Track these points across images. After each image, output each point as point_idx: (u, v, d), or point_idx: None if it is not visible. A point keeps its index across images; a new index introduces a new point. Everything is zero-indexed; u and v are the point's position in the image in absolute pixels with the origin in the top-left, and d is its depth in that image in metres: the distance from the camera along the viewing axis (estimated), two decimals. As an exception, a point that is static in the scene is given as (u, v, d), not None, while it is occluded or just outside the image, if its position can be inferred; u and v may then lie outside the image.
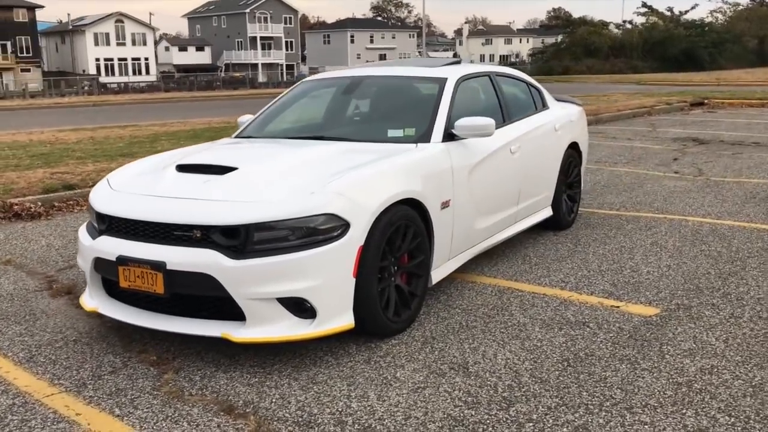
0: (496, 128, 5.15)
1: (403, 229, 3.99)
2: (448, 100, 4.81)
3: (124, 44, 71.16)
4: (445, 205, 4.37)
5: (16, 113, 28.31)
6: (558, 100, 7.06)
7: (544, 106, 6.22)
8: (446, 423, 3.03)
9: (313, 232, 3.52)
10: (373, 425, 3.03)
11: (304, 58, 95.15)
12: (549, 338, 3.91)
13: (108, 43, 70.22)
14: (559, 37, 76.42)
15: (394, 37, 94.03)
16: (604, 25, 72.41)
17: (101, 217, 3.94)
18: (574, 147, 6.53)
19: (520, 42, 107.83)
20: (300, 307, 3.54)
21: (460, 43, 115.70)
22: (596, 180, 8.92)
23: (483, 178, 4.84)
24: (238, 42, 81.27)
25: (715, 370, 3.48)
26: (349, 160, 4.07)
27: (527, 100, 6.02)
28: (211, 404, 3.24)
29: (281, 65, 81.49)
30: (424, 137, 4.53)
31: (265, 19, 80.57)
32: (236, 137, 5.21)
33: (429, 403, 3.20)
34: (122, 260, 3.68)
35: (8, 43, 63.82)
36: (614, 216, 6.89)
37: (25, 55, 65.06)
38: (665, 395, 3.24)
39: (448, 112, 4.73)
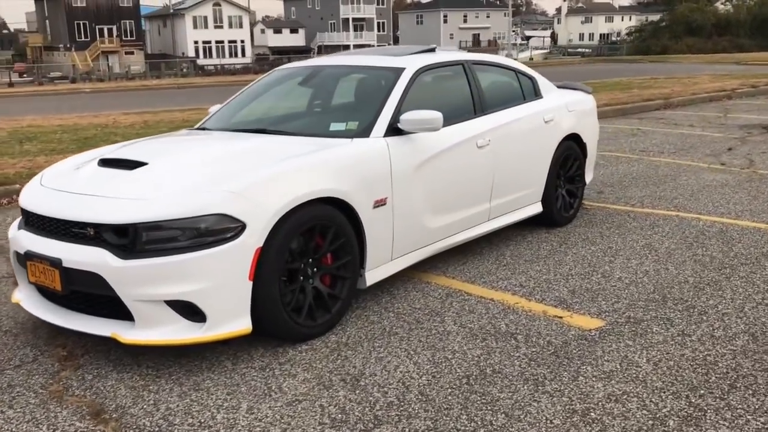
0: (465, 120, 4.91)
1: (320, 229, 3.82)
2: (399, 92, 4.56)
3: (221, 27, 73.14)
4: (379, 203, 4.15)
5: (102, 95, 29.58)
6: (564, 87, 6.64)
7: (537, 96, 5.84)
8: (299, 442, 2.87)
9: (204, 233, 3.40)
10: (223, 440, 2.90)
11: (396, 40, 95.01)
12: (465, 350, 3.65)
13: (206, 26, 72.34)
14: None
15: (488, 17, 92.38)
16: (709, 1, 68.30)
17: (22, 211, 3.96)
18: (574, 138, 6.11)
19: (622, 20, 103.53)
20: (191, 310, 3.44)
21: (558, 22, 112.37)
22: (628, 172, 8.38)
23: (437, 175, 4.58)
24: (330, 24, 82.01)
25: (624, 397, 3.14)
26: (269, 156, 3.92)
27: (512, 90, 5.66)
28: (84, 407, 3.20)
29: (373, 47, 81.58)
30: (365, 132, 4.32)
31: (358, 0, 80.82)
32: (196, 128, 5.15)
33: (295, 419, 3.04)
34: (29, 255, 3.69)
35: (114, 27, 66.86)
36: (624, 212, 6.43)
37: (129, 38, 68.00)
38: (551, 424, 2.94)
39: (397, 105, 4.49)
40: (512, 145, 5.30)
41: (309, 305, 3.82)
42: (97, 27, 65.99)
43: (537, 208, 5.79)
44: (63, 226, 3.61)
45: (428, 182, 4.53)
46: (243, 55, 74.13)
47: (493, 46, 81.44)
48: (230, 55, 72.92)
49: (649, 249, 5.30)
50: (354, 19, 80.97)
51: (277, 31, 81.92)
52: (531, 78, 5.88)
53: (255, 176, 3.62)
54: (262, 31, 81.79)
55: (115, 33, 66.68)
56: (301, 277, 3.81)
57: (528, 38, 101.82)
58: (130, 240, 3.41)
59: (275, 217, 3.55)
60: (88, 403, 3.23)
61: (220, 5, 72.73)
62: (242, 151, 4.07)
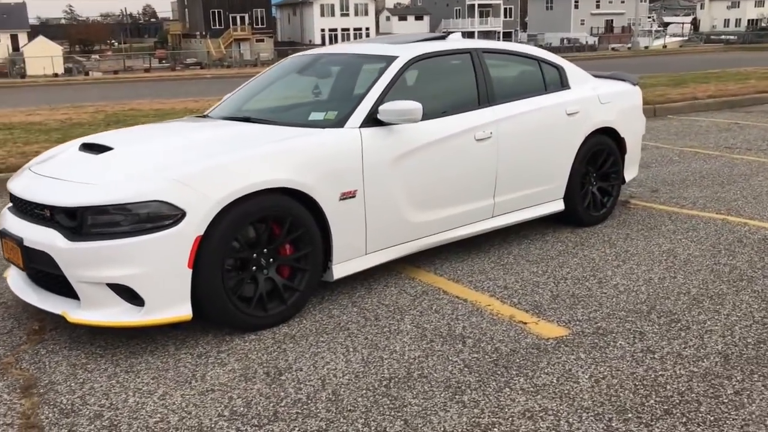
0: (464, 112, 4.72)
1: (273, 219, 3.79)
2: (385, 81, 4.44)
3: (347, 15, 74.39)
4: (347, 195, 4.07)
5: (220, 81, 30.84)
6: (609, 77, 6.24)
7: (563, 86, 5.51)
8: (190, 432, 2.87)
9: (144, 218, 3.46)
10: (120, 423, 2.95)
11: (525, 26, 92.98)
12: (404, 351, 3.51)
13: (333, 14, 73.82)
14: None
15: (623, 2, 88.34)
16: None
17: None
18: (608, 133, 5.73)
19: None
20: (131, 294, 3.52)
21: (702, 7, 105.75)
22: (698, 169, 7.77)
23: (422, 168, 4.43)
24: (456, 10, 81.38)
25: (541, 414, 2.92)
26: (231, 146, 3.93)
27: (531, 80, 5.37)
28: (20, 381, 3.35)
29: (498, 33, 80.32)
30: (341, 122, 4.24)
31: (485, -14, 79.66)
32: (198, 116, 5.23)
33: (198, 409, 3.04)
34: (2, 233, 3.90)
35: (246, 16, 69.59)
36: (667, 213, 5.97)
37: (260, 26, 70.58)
38: (446, 436, 2.78)
39: (381, 94, 4.36)
40: (522, 138, 5.03)
41: (260, 295, 3.80)
42: (230, 15, 68.93)
43: (558, 206, 5.48)
44: (28, 206, 3.78)
45: (411, 175, 4.39)
46: (368, 42, 74.94)
47: (626, 33, 77.89)
48: (355, 43, 73.98)
49: (669, 255, 4.89)
50: (480, 5, 79.94)
51: (402, 18, 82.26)
52: (557, 67, 5.55)
53: (203, 165, 3.64)
54: (387, 19, 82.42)
55: (246, 21, 69.38)
56: (254, 267, 3.79)
57: (666, 25, 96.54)
58: (78, 223, 3.52)
59: (218, 206, 3.55)
60: (26, 377, 3.38)
61: (347, -7, 73.89)
62: (209, 139, 4.11)
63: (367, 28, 75.32)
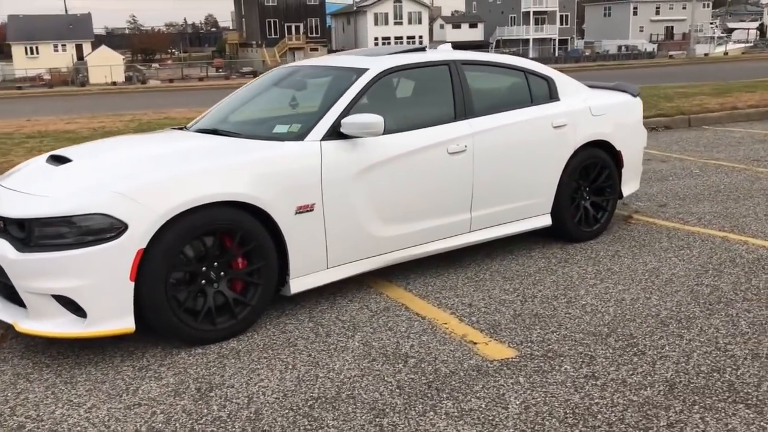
0: (436, 125, 4.63)
1: (222, 233, 3.78)
2: (352, 94, 4.39)
3: (400, 23, 74.59)
4: (304, 209, 4.03)
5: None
6: (606, 88, 6.06)
7: (551, 98, 5.36)
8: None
9: (87, 231, 3.49)
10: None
11: (582, 33, 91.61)
12: (342, 370, 3.45)
13: (386, 23, 74.12)
14: None
15: (684, 8, 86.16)
16: None
17: None
18: (602, 146, 5.55)
19: None
20: (75, 305, 3.55)
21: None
22: (715, 183, 7.47)
23: (388, 182, 4.36)
24: (511, 17, 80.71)
25: (456, 441, 2.81)
26: (185, 159, 3.94)
27: (515, 92, 5.24)
28: (-37, 388, 3.41)
29: (554, 40, 79.34)
30: (303, 135, 4.21)
31: (541, -7, 78.81)
32: (177, 127, 5.25)
33: (119, 423, 3.04)
34: (-31, 243, 3.99)
35: (301, 25, 70.54)
36: (667, 230, 5.75)
37: (314, 35, 71.44)
38: (351, 461, 2.71)
39: (346, 107, 4.32)
40: (502, 151, 4.91)
41: (209, 309, 3.79)
42: (285, 24, 69.98)
43: (544, 221, 5.33)
44: None
45: (377, 189, 4.32)
46: (421, 50, 74.95)
47: (686, 40, 75.92)
48: (408, 51, 74.06)
49: (651, 274, 4.69)
50: (535, 12, 79.08)
51: (456, 26, 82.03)
52: (546, 79, 5.40)
53: (148, 178, 3.66)
54: (441, 27, 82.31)
55: (301, 30, 70.31)
56: (203, 281, 3.79)
57: (730, 31, 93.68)
58: (26, 234, 3.58)
59: (161, 219, 3.56)
60: (-32, 385, 3.44)
61: (400, 1, 74.18)
62: (165, 153, 4.12)
63: (420, 37, 75.35)
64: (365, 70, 4.58)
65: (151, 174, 3.69)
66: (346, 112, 4.31)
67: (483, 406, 3.07)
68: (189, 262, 3.73)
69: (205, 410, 3.12)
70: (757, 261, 4.89)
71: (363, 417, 3.01)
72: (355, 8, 75.85)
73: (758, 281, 4.50)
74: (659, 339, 3.68)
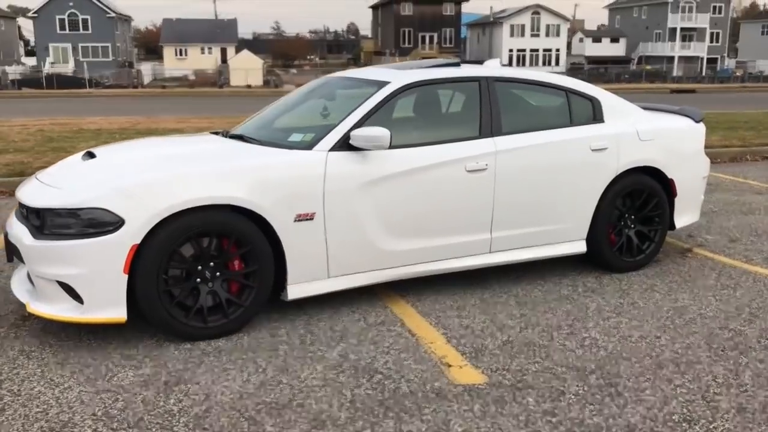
0: (456, 142, 4.59)
1: (217, 235, 3.93)
2: (369, 107, 4.43)
3: (537, 36, 73.32)
4: (304, 217, 4.11)
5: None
6: (664, 111, 5.75)
7: (595, 120, 5.15)
8: None
9: (89, 224, 3.74)
10: (11, 407, 3.21)
11: (735, 51, 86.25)
12: (308, 379, 3.49)
13: (522, 35, 73.09)
14: None
15: None
16: None
17: None
18: (651, 173, 5.27)
19: None
20: (74, 292, 3.80)
21: None
22: (800, 220, 6.87)
23: (398, 195, 4.36)
24: (656, 34, 77.30)
25: (376, 461, 2.78)
26: (193, 160, 4.11)
27: (553, 111, 5.06)
28: (-29, 359, 3.75)
29: (701, 59, 75.19)
30: (312, 144, 4.29)
31: (690, 9, 74.95)
32: (215, 132, 5.40)
33: (82, 406, 3.23)
34: (5, 232, 4.38)
35: (435, 35, 71.00)
36: (723, 267, 5.37)
37: (447, 45, 71.68)
38: (266, 468, 2.75)
39: (360, 119, 4.36)
40: (529, 172, 4.78)
41: (201, 307, 3.95)
42: (420, 34, 70.70)
43: (578, 247, 5.12)
44: (21, 207, 4.20)
45: (385, 202, 4.33)
46: (557, 64, 73.44)
47: None
48: (543, 64, 72.77)
49: (676, 312, 4.40)
50: (683, 29, 75.28)
51: (596, 40, 79.58)
52: (591, 99, 5.19)
53: (149, 177, 3.86)
54: (581, 40, 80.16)
55: (435, 40, 70.73)
56: (197, 279, 3.95)
57: None
58: (41, 223, 3.88)
59: (156, 217, 3.75)
60: (-23, 357, 3.77)
61: (539, 14, 72.95)
62: (176, 154, 4.31)
63: (557, 50, 73.75)
64: (387, 83, 4.60)
65: (152, 174, 3.89)
66: (359, 124, 4.35)
67: (423, 429, 3.02)
68: (184, 260, 3.90)
69: (162, 402, 3.25)
70: (803, 308, 4.47)
71: (301, 426, 3.04)
72: (491, 19, 75.40)
73: (792, 330, 4.11)
74: (644, 381, 3.46)
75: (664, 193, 5.36)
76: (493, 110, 4.78)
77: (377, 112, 4.46)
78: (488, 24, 76.18)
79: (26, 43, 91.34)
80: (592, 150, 5.01)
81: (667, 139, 5.35)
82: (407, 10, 70.00)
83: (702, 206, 7.43)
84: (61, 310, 3.84)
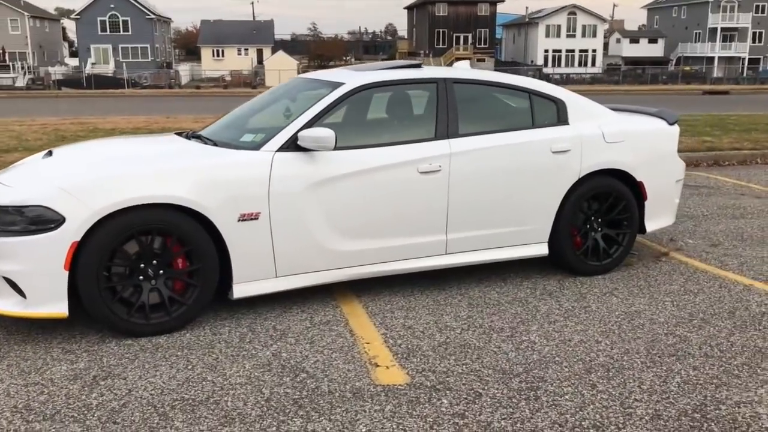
0: (408, 143, 4.59)
1: (159, 233, 3.99)
2: (320, 108, 4.46)
3: (573, 36, 72.52)
4: (248, 217, 4.16)
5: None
6: (639, 112, 5.68)
7: (559, 122, 5.10)
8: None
9: (32, 221, 3.84)
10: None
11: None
12: (233, 377, 3.53)
13: (558, 35, 72.37)
14: None
15: None
16: None
17: None
18: (617, 175, 5.21)
19: None
20: (18, 287, 3.91)
21: None
22: (791, 225, 6.71)
23: (348, 196, 4.39)
24: (695, 34, 75.84)
25: (270, 459, 2.81)
26: (140, 160, 4.19)
27: (514, 113, 5.03)
28: None
29: (743, 59, 73.56)
30: (260, 145, 4.34)
31: (731, 9, 73.38)
32: (178, 132, 5.46)
33: (7, 398, 3.32)
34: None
35: (469, 35, 70.72)
36: (694, 272, 5.29)
37: (482, 46, 71.29)
38: (161, 463, 2.80)
39: (310, 120, 4.40)
40: (485, 174, 4.75)
41: (143, 304, 4.02)
42: (454, 35, 70.48)
43: (540, 250, 5.08)
44: None
45: (334, 203, 4.36)
46: (593, 64, 72.57)
47: None
48: (579, 65, 71.96)
49: (626, 317, 4.34)
50: (723, 29, 73.73)
51: (634, 40, 78.37)
52: (555, 101, 5.14)
53: (91, 176, 3.94)
54: (618, 41, 79.01)
55: (470, 41, 70.44)
56: (140, 277, 4.03)
57: None
58: (-9, 220, 3.99)
59: (96, 215, 3.83)
60: (-72, 348, 3.90)
61: (575, 14, 72.16)
62: (127, 154, 4.39)
63: (594, 50, 72.85)
64: (340, 84, 4.63)
65: (94, 173, 3.97)
66: (309, 125, 4.38)
67: (328, 428, 3.03)
68: (125, 258, 3.97)
69: (84, 396, 3.33)
70: (761, 316, 4.37)
71: (209, 422, 3.09)
72: (527, 19, 74.82)
73: (739, 337, 4.03)
74: (568, 386, 3.42)
75: (633, 196, 5.29)
76: (450, 112, 4.77)
77: (329, 113, 4.49)
78: (523, 24, 75.61)
79: (71, 44, 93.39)
80: (553, 152, 4.96)
81: (636, 141, 5.27)
82: (442, 10, 69.85)
83: (694, 210, 7.31)
84: (7, 305, 3.94)
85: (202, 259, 4.09)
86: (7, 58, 61.86)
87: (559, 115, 5.13)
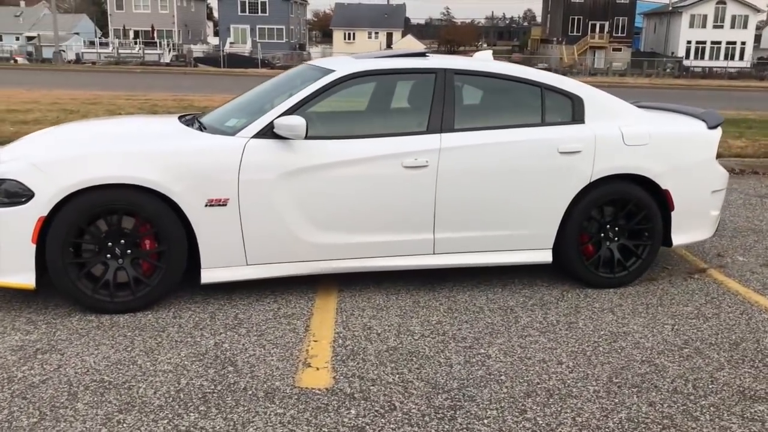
0: (396, 136, 4.41)
1: (125, 213, 4.04)
2: (302, 95, 4.34)
3: (721, 27, 67.82)
4: (216, 202, 4.13)
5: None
6: (679, 112, 5.17)
7: (574, 120, 4.71)
8: None
9: (5, 194, 3.98)
10: None
11: None
12: (162, 363, 3.52)
13: (703, 26, 67.94)
14: None
15: None
16: None
17: None
18: (637, 181, 4.77)
19: None
20: (-5, 257, 4.08)
21: None
22: None
23: (324, 187, 4.26)
24: None
25: (140, 453, 2.76)
26: (113, 140, 4.24)
27: (522, 109, 4.67)
28: None
29: None
30: (238, 130, 4.28)
31: None
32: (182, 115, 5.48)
33: (-53, 362, 3.48)
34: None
35: (606, 24, 67.76)
36: (722, 293, 4.78)
37: (619, 34, 68.15)
38: (39, 444, 2.82)
39: (291, 108, 4.29)
40: (479, 172, 4.47)
41: (107, 282, 4.09)
42: (590, 22, 67.75)
43: (541, 257, 4.74)
44: None
45: (308, 193, 4.25)
46: (741, 58, 67.61)
47: None
48: (725, 58, 67.24)
49: (610, 338, 3.96)
50: None
51: (791, 33, 72.24)
52: (571, 97, 4.74)
53: (62, 154, 4.03)
54: (772, 33, 73.10)
55: (606, 29, 67.52)
56: (107, 255, 4.10)
57: None
58: (-24, 191, 4.19)
59: (63, 192, 3.92)
60: None
61: (724, 3, 67.39)
62: (106, 133, 4.48)
63: (743, 43, 67.82)
64: (330, 71, 4.48)
65: (67, 151, 4.06)
66: (290, 113, 4.28)
67: (218, 427, 2.95)
68: (91, 235, 4.05)
69: (14, 369, 3.42)
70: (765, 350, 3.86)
71: (109, 408, 3.08)
72: (670, 8, 70.72)
73: (726, 374, 3.56)
74: (493, 409, 3.15)
75: (657, 205, 4.81)
76: (446, 104, 4.51)
77: (313, 101, 4.36)
78: (666, 13, 71.56)
79: (215, 24, 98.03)
80: (561, 152, 4.59)
81: (663, 144, 4.78)
82: (578, -3, 67.33)
83: (765, 224, 6.61)
84: (-16, 273, 4.12)
85: (169, 242, 4.10)
86: (155, 35, 65.78)
87: (574, 112, 4.74)
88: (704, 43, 68.29)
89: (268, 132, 4.23)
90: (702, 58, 67.50)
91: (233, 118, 4.56)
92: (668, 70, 58.97)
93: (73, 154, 4.02)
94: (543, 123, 4.67)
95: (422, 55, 4.82)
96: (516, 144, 4.53)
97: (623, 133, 4.71)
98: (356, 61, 4.60)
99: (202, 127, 4.55)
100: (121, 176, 3.97)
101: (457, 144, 4.43)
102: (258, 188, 4.17)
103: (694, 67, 62.17)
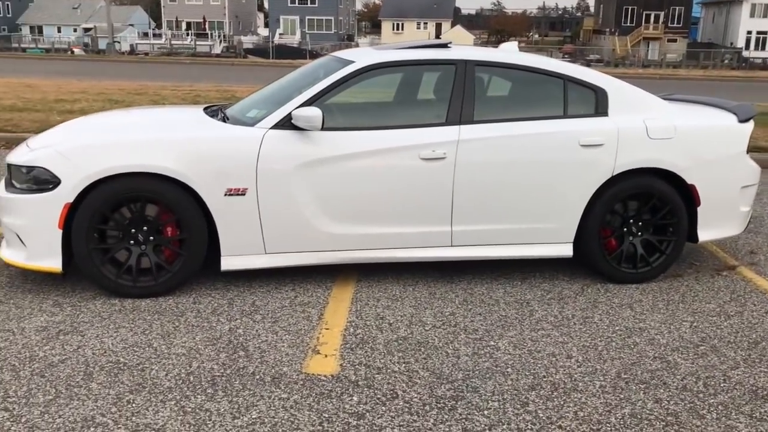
0: (414, 127, 4.42)
1: (147, 201, 4.16)
2: (321, 86, 4.39)
3: (783, 17, 65.53)
4: (234, 192, 4.22)
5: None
6: (711, 105, 5.07)
7: (597, 113, 4.66)
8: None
9: (35, 180, 4.15)
10: None
11: None
12: (176, 347, 3.62)
13: (765, 15, 65.75)
14: None
15: None
16: None
17: None
18: (662, 175, 4.69)
19: None
20: (21, 240, 4.25)
21: None
22: None
23: (341, 178, 4.31)
24: None
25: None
26: (135, 130, 4.35)
27: (544, 101, 4.63)
28: (-55, 289, 4.35)
29: None
30: (257, 121, 4.36)
31: None
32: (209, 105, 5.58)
33: (-25, 341, 3.65)
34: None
35: (661, 14, 66.15)
36: (749, 291, 4.68)
37: (675, 25, 66.48)
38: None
39: (310, 99, 4.35)
40: (499, 165, 4.46)
41: (130, 267, 4.23)
42: (644, 12, 66.27)
43: (562, 251, 4.70)
44: None
45: (325, 184, 4.30)
46: (803, 49, 65.25)
47: None
48: (786, 49, 65.00)
49: (621, 334, 3.93)
50: None
51: None
52: (595, 90, 4.68)
53: (89, 142, 4.17)
54: (838, 23, 70.30)
55: (661, 19, 65.92)
56: (131, 241, 4.23)
57: None
58: (9, 176, 4.36)
59: (87, 180, 4.06)
60: (-48, 288, 4.37)
61: (787, -8, 65.06)
62: (131, 123, 4.62)
63: (807, 33, 65.37)
64: (350, 62, 4.52)
65: (92, 139, 4.20)
66: (309, 104, 4.33)
67: (221, 410, 3.03)
68: (115, 222, 4.18)
69: (36, 348, 3.56)
70: (788, 350, 3.77)
71: (121, 388, 3.19)
72: (730, -2, 68.61)
73: (741, 372, 3.49)
74: (495, 401, 3.16)
75: (683, 200, 4.72)
76: (466, 96, 4.50)
77: (332, 92, 4.40)
78: (726, 2, 69.44)
79: (266, 15, 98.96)
80: (582, 146, 4.54)
81: (689, 138, 4.69)
82: (632, -14, 65.85)
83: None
84: (15, 255, 4.29)
85: (190, 230, 4.20)
86: (207, 27, 66.78)
87: (597, 105, 4.68)
88: (765, 33, 66.11)
89: (287, 123, 4.29)
90: (763, 49, 65.39)
91: (255, 109, 4.63)
92: (726, 62, 57.33)
93: (98, 143, 4.15)
94: (565, 115, 4.63)
95: (444, 46, 4.82)
96: (536, 136, 4.50)
97: (647, 126, 4.64)
98: (376, 53, 4.62)
99: (225, 118, 4.64)
100: (142, 165, 4.08)
101: (476, 136, 4.43)
102: (276, 178, 4.23)
103: (753, 58, 60.25)
